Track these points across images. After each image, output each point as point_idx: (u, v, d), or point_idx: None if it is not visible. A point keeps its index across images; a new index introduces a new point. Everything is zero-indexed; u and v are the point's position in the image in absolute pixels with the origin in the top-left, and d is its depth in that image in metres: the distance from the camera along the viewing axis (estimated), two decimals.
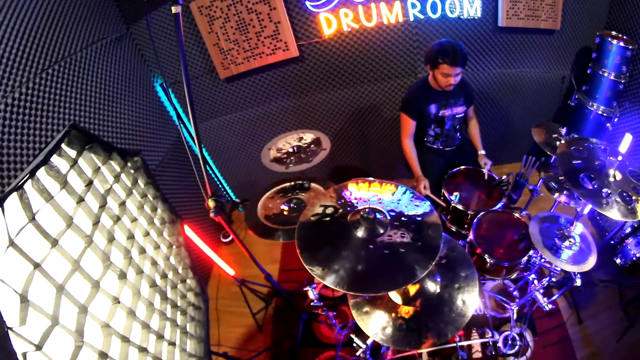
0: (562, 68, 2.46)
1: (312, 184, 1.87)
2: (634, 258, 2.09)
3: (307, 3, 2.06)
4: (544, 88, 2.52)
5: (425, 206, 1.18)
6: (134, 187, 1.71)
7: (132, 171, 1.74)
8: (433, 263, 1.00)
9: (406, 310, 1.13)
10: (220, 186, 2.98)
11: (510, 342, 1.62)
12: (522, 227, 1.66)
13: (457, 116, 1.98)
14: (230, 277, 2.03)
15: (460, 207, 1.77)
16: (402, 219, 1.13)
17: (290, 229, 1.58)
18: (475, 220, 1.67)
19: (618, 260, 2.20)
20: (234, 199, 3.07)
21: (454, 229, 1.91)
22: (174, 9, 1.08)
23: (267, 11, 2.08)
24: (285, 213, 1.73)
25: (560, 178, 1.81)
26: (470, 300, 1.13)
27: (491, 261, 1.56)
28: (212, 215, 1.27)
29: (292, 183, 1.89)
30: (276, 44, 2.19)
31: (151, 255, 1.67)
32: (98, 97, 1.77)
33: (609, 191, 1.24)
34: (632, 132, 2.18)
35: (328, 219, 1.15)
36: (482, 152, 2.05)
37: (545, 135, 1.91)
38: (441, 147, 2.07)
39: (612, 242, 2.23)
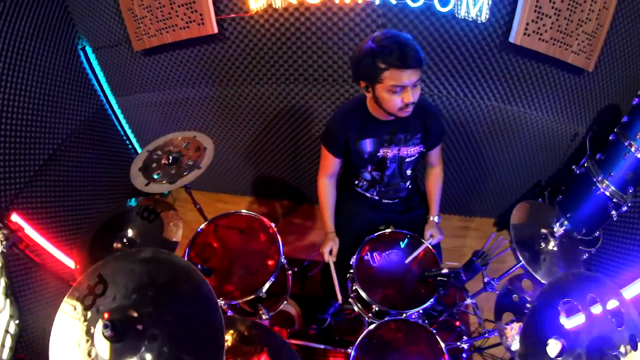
0: (578, 122, 1.83)
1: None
2: None
3: None
4: (549, 141, 1.90)
5: None
6: None
7: None
8: None
9: None
10: None
11: None
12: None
13: (407, 159, 1.34)
14: None
15: (364, 295, 1.24)
16: None
17: None
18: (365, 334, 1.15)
19: None
20: None
21: (352, 304, 1.36)
22: None
23: None
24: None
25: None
26: None
27: None
28: None
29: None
30: (190, 16, 1.59)
31: None
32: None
33: None
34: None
35: None
36: (435, 218, 1.46)
37: (529, 219, 1.33)
38: (376, 199, 1.48)
39: None
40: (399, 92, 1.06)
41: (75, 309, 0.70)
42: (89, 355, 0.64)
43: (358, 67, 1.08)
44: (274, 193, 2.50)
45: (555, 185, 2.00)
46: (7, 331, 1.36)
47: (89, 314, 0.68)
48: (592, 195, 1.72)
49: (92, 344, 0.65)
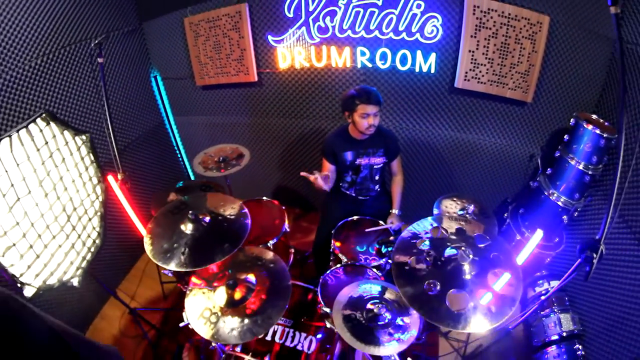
0: (532, 145, 2.18)
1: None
2: None
3: (269, 37, 2.30)
4: (508, 162, 2.27)
5: None
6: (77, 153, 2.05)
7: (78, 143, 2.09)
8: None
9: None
10: (184, 169, 3.35)
11: None
12: None
13: (375, 166, 1.94)
14: None
15: (340, 254, 1.75)
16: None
17: None
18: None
19: None
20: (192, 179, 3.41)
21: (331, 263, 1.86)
22: (99, 60, 1.57)
23: (237, 38, 2.38)
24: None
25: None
26: None
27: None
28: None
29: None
30: (240, 68, 2.46)
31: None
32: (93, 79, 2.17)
33: None
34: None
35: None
36: (395, 211, 1.99)
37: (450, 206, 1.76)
38: (354, 195, 2.05)
39: (534, 343, 1.90)
40: (365, 117, 1.74)
41: (170, 212, 1.44)
42: (174, 231, 1.35)
43: (344, 102, 1.80)
44: (289, 201, 3.12)
45: (519, 200, 2.25)
46: (94, 241, 2.18)
47: (178, 215, 1.43)
48: (544, 204, 1.98)
49: (178, 225, 1.36)
